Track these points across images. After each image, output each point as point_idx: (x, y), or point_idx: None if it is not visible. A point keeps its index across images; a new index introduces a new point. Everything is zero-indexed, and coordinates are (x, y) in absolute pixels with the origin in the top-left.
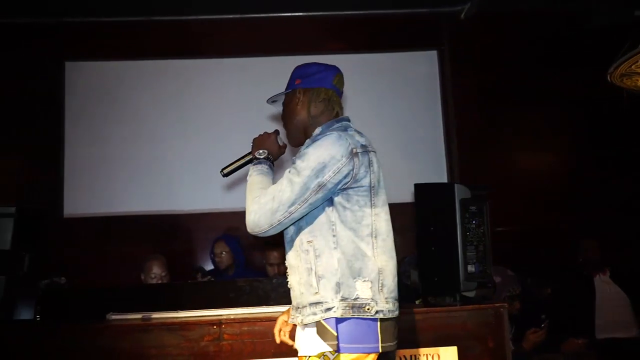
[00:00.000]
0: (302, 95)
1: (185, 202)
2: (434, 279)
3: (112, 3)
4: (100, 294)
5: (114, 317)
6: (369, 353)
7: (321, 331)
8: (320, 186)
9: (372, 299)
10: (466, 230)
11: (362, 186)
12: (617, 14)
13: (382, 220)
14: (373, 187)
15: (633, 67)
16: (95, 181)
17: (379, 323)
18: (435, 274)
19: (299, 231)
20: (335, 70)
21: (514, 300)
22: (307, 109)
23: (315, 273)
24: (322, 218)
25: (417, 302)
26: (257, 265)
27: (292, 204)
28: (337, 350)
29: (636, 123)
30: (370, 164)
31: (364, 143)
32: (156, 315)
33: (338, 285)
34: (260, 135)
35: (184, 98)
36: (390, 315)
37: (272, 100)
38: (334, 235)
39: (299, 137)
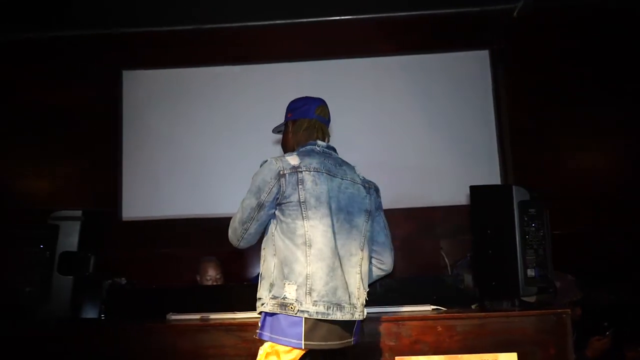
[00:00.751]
0: (291, 126)
1: (236, 205)
2: (492, 283)
3: (164, 14)
4: (160, 295)
5: (173, 317)
6: (291, 347)
7: (259, 321)
8: (260, 205)
9: (296, 300)
10: (525, 234)
11: (291, 202)
12: None
13: (317, 232)
14: (303, 202)
15: None
16: (151, 186)
17: (303, 322)
18: (492, 278)
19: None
20: (318, 102)
21: (576, 306)
22: (294, 137)
23: (260, 275)
24: (269, 230)
25: (473, 306)
26: None
27: (245, 223)
28: (259, 336)
29: None
30: (299, 182)
31: (295, 164)
32: (214, 316)
33: (271, 285)
34: None
35: (237, 104)
36: (318, 317)
37: (277, 131)
38: (274, 245)
39: None
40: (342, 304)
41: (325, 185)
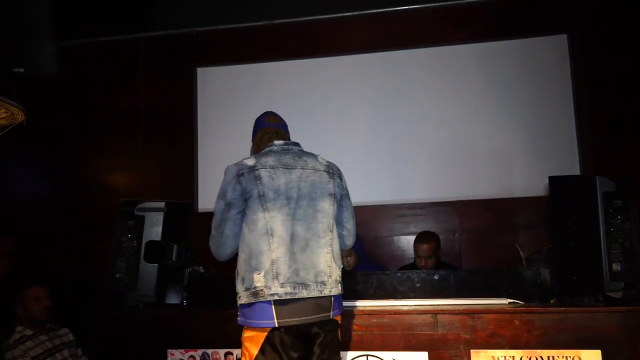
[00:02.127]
0: (253, 144)
1: None
2: (573, 278)
3: (235, 11)
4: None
5: None
6: (265, 327)
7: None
8: (228, 204)
9: (265, 285)
10: (610, 226)
11: (252, 196)
12: None
13: (277, 221)
14: (262, 195)
15: None
16: (214, 180)
17: (273, 304)
18: (574, 272)
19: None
20: (265, 114)
21: None
22: (256, 148)
23: (237, 272)
24: (241, 230)
25: (551, 301)
26: (378, 258)
27: (219, 226)
28: (242, 324)
29: None
30: (256, 178)
31: (251, 165)
32: None
33: (243, 279)
34: None
35: (306, 96)
36: (287, 297)
37: None
38: (242, 242)
39: None
40: (307, 283)
41: (283, 178)
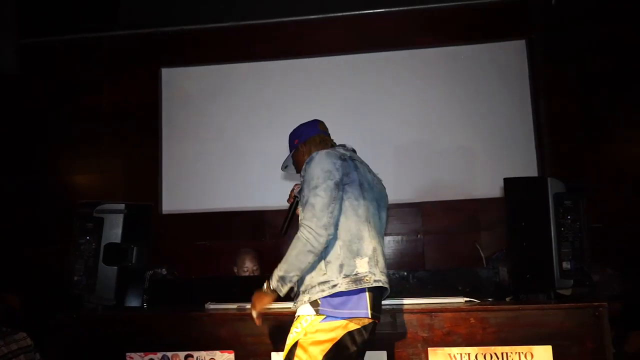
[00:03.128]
0: (303, 147)
1: (272, 198)
2: (526, 276)
3: (201, 11)
4: (198, 285)
5: (212, 306)
6: (358, 317)
7: (314, 303)
8: (337, 184)
9: (369, 271)
10: (560, 226)
11: (354, 181)
12: None
13: (370, 212)
14: (362, 184)
15: None
16: (189, 180)
17: (368, 294)
18: (527, 270)
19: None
20: (317, 121)
21: (615, 300)
22: (310, 152)
23: (324, 259)
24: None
25: (507, 299)
26: None
27: (329, 205)
28: (331, 317)
29: None
30: (355, 167)
31: (348, 154)
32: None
33: (341, 266)
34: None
35: (272, 98)
36: (385, 285)
37: (285, 166)
38: (340, 227)
39: None
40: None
41: (369, 174)
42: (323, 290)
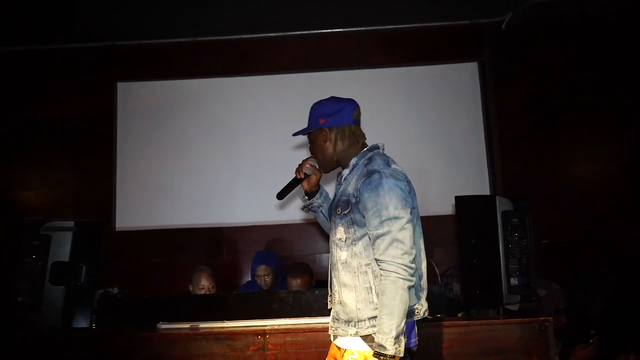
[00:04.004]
0: (328, 133)
1: (229, 215)
2: (476, 292)
3: (159, 26)
4: (151, 304)
5: (164, 326)
6: (410, 347)
7: (368, 338)
8: (411, 216)
9: (418, 303)
10: (508, 243)
11: (414, 208)
12: None
13: (417, 235)
14: (416, 208)
15: None
16: (145, 196)
17: (415, 323)
18: (477, 286)
19: (353, 256)
20: (353, 105)
21: (560, 314)
22: (334, 146)
23: (375, 291)
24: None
25: (459, 314)
26: None
27: (411, 237)
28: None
29: None
30: (410, 185)
31: (402, 170)
32: (204, 325)
33: None
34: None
35: (230, 115)
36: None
37: (301, 133)
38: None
39: (331, 166)
40: None
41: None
42: (374, 326)
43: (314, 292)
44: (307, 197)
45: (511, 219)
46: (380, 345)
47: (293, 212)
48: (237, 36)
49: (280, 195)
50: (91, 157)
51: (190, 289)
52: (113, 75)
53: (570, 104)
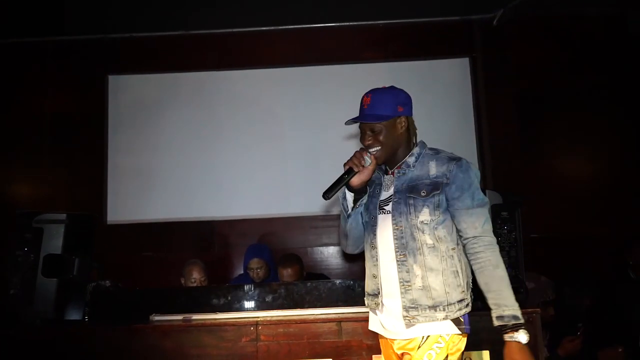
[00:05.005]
0: (406, 123)
1: (220, 209)
2: None
3: (151, 19)
4: (144, 297)
5: (157, 318)
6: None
7: (456, 321)
8: None
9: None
10: (498, 236)
11: None
12: None
13: None
14: None
15: None
16: (136, 189)
17: None
18: None
19: (439, 240)
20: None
21: (548, 306)
22: (409, 136)
23: (462, 275)
24: (454, 229)
25: None
26: None
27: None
28: (466, 332)
29: None
30: None
31: None
32: (196, 316)
33: (468, 284)
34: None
35: (221, 108)
36: None
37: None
38: (458, 244)
39: (391, 156)
40: None
41: None
42: (461, 309)
43: (306, 284)
44: (354, 195)
45: (501, 213)
46: (514, 317)
47: (283, 206)
48: (229, 30)
49: (328, 193)
50: (82, 151)
51: (182, 282)
52: (104, 69)
53: (561, 101)
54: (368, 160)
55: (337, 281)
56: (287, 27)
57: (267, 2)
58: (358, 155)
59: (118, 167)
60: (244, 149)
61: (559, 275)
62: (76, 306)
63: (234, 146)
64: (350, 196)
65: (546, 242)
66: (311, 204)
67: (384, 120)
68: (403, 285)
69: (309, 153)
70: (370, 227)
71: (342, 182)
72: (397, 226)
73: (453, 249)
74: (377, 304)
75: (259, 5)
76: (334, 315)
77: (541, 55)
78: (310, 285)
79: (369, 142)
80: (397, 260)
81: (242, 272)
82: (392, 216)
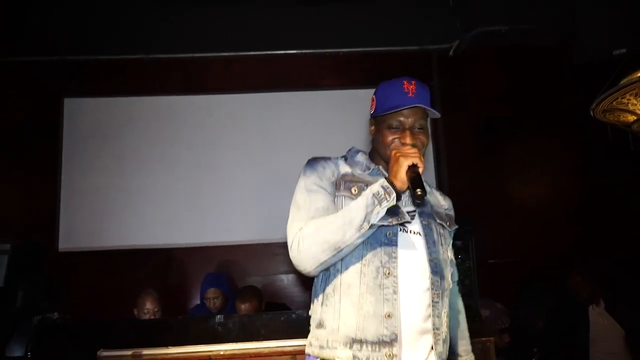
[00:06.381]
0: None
1: (179, 236)
2: None
3: (111, 42)
4: (93, 330)
5: (104, 353)
6: None
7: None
8: None
9: None
10: None
11: None
12: (596, 53)
13: None
14: None
15: (614, 103)
16: (90, 215)
17: None
18: None
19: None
20: None
21: (503, 333)
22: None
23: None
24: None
25: None
26: None
27: None
28: None
29: (625, 156)
30: None
31: None
32: (147, 351)
33: None
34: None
35: (179, 134)
36: None
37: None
38: None
39: None
40: None
41: None
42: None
43: (262, 316)
44: (396, 196)
45: (454, 242)
46: None
47: (244, 233)
48: (189, 55)
49: (423, 189)
50: (35, 174)
51: (135, 312)
52: (61, 91)
53: (515, 128)
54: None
55: (295, 312)
56: (247, 53)
57: (228, 27)
58: (417, 152)
59: (72, 192)
60: (203, 175)
61: (515, 300)
62: (19, 341)
63: (193, 172)
64: (390, 205)
65: (502, 267)
66: (272, 231)
67: (434, 112)
68: (435, 334)
69: (268, 179)
70: (384, 245)
71: (420, 177)
72: (431, 257)
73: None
74: (391, 357)
75: (219, 30)
76: (290, 348)
77: (495, 83)
78: (267, 316)
79: (420, 138)
80: (432, 301)
81: (199, 302)
82: (426, 242)
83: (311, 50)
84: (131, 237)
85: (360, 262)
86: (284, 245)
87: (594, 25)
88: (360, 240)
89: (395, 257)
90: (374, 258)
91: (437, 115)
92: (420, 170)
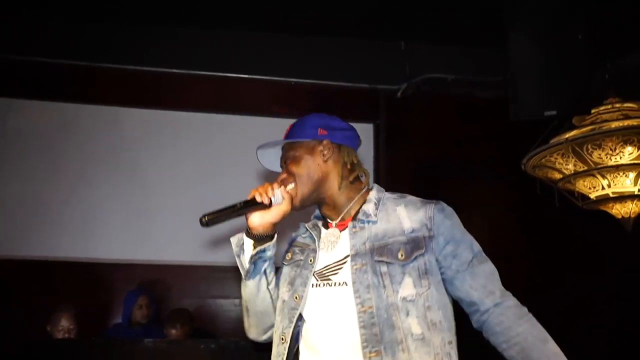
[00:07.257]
0: (329, 151)
1: (106, 250)
2: None
3: (55, 45)
4: None
5: None
6: None
7: None
8: None
9: None
10: None
11: None
12: (530, 112)
13: None
14: None
15: (543, 160)
16: (8, 224)
17: None
18: None
19: (431, 327)
20: (358, 135)
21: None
22: (337, 169)
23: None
24: (452, 311)
25: None
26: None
27: None
28: None
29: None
30: None
31: None
32: None
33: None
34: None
35: (119, 145)
36: None
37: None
38: (455, 336)
39: (312, 196)
40: None
41: None
42: None
43: (185, 343)
44: (254, 241)
45: None
46: None
47: (176, 252)
48: (135, 67)
49: (210, 217)
50: None
51: (49, 329)
52: None
53: (460, 172)
54: (279, 196)
55: (218, 340)
56: (198, 72)
57: (181, 45)
58: (267, 185)
59: (3, 198)
60: (137, 191)
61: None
62: None
63: (127, 185)
64: (249, 244)
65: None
66: (204, 253)
67: (294, 140)
68: None
69: (205, 201)
70: (289, 309)
71: (234, 210)
72: (363, 307)
73: (450, 342)
74: None
75: (172, 47)
76: None
77: (438, 127)
78: (190, 344)
79: (283, 175)
80: None
81: (119, 320)
82: (355, 291)
83: (262, 77)
84: (53, 247)
85: (275, 331)
86: (215, 269)
87: (527, 86)
88: (255, 294)
89: (292, 321)
90: (280, 324)
91: (301, 138)
92: (283, 206)
